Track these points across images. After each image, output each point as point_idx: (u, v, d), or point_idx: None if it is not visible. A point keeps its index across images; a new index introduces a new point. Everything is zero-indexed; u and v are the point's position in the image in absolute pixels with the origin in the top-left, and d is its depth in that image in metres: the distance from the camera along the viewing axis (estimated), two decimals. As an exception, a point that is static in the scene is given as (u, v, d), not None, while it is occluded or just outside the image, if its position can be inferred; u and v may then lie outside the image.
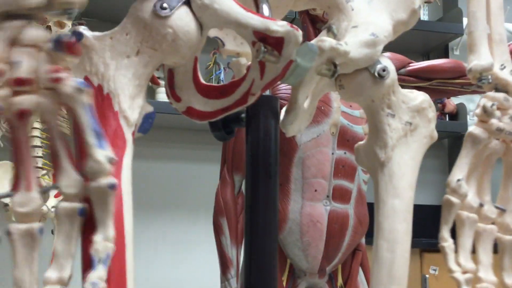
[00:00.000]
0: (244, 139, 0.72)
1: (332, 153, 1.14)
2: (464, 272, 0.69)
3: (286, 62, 0.57)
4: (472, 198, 0.72)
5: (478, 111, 0.73)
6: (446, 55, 2.76)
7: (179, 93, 0.65)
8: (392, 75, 0.63)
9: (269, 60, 0.57)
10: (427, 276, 2.13)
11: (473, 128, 0.73)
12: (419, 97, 0.67)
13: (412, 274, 2.31)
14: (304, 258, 1.14)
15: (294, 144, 1.13)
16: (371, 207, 1.25)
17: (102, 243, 0.49)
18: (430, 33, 2.56)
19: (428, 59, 2.74)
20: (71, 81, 0.49)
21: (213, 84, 0.67)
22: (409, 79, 1.21)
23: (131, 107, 0.56)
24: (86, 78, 0.56)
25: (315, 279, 1.16)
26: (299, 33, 0.56)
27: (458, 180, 0.70)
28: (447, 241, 0.70)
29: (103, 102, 0.55)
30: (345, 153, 1.15)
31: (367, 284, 1.23)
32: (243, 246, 0.70)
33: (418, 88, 1.24)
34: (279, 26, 0.55)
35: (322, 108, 1.13)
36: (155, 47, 0.58)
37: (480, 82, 0.74)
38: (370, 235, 1.31)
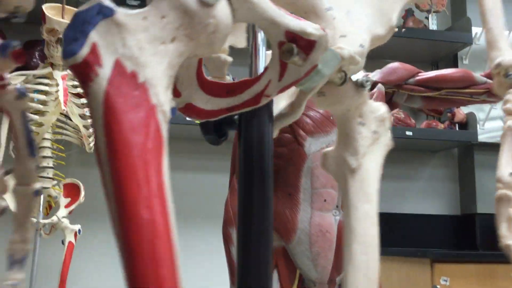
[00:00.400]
0: (237, 143, 0.70)
1: (341, 163, 1.14)
2: None
3: (311, 67, 0.55)
4: None
5: (509, 105, 0.75)
6: (455, 65, 2.76)
7: (180, 87, 0.61)
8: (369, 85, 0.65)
9: (295, 63, 0.55)
10: (438, 287, 2.12)
11: (510, 122, 0.74)
12: (382, 108, 0.69)
13: (423, 284, 2.29)
14: (314, 268, 1.13)
15: (303, 153, 1.13)
16: (381, 217, 1.24)
17: (20, 244, 0.48)
18: (439, 43, 2.56)
19: (437, 68, 2.74)
20: (12, 88, 0.48)
21: (220, 81, 0.64)
22: (418, 89, 1.21)
23: (167, 100, 0.50)
24: (118, 62, 0.47)
25: (324, 289, 1.16)
26: (333, 38, 0.55)
27: (511, 173, 0.71)
28: (510, 239, 0.70)
29: (137, 92, 0.47)
30: (354, 163, 1.15)
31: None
32: (238, 254, 0.67)
33: (428, 98, 1.25)
34: (315, 29, 0.54)
35: (331, 117, 1.13)
36: (192, 36, 0.52)
37: (508, 77, 0.75)
38: (381, 246, 1.30)
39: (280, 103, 0.70)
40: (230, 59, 0.74)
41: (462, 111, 2.59)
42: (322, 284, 1.15)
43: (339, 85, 0.62)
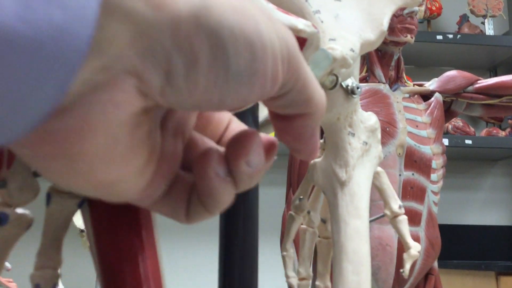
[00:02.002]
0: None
1: (400, 175, 1.13)
2: None
3: None
4: None
5: None
6: (514, 70, 2.67)
7: None
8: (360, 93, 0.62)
9: None
10: (504, 300, 2.03)
11: None
12: (373, 118, 0.65)
13: (489, 298, 2.19)
14: (375, 282, 1.12)
15: (360, 166, 1.12)
16: (442, 229, 1.22)
17: (49, 271, 0.43)
18: (496, 48, 2.49)
19: (496, 74, 2.66)
20: None
21: None
22: (478, 97, 1.18)
23: None
24: None
25: (386, 304, 1.14)
26: (323, 38, 0.51)
27: None
28: None
29: None
30: (413, 174, 1.13)
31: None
32: (222, 263, 0.62)
33: (488, 105, 1.21)
34: (306, 26, 0.50)
35: (387, 129, 1.12)
36: None
37: None
38: (442, 258, 1.27)
39: (266, 109, 0.67)
40: None
41: (524, 118, 2.50)
42: (384, 299, 1.13)
43: (329, 89, 0.58)
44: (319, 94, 0.23)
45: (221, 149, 0.25)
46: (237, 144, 0.23)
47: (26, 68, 0.16)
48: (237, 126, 0.28)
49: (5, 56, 0.15)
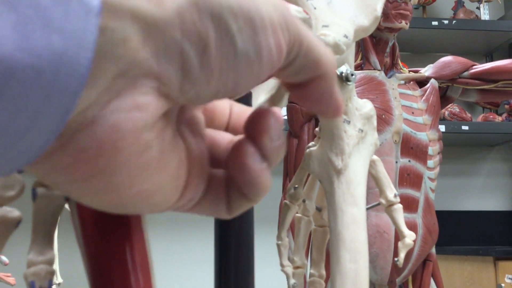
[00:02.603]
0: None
1: (396, 162, 1.12)
2: None
3: None
4: None
5: None
6: (510, 55, 2.66)
7: None
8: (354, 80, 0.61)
9: None
10: (502, 285, 2.04)
11: None
12: (368, 105, 0.65)
13: (487, 284, 2.23)
14: (373, 269, 1.12)
15: (356, 154, 1.12)
16: (439, 215, 1.21)
17: (43, 266, 0.42)
18: (492, 33, 2.48)
19: (491, 59, 2.65)
20: None
21: None
22: (474, 82, 1.17)
23: None
24: None
25: (384, 291, 1.14)
26: (316, 25, 0.50)
27: None
28: None
29: None
30: (409, 161, 1.13)
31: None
32: (218, 253, 0.61)
33: (484, 91, 1.21)
34: (297, 12, 0.49)
35: (383, 116, 1.12)
36: None
37: None
38: (440, 244, 1.27)
39: (260, 98, 0.66)
40: None
41: (521, 102, 2.50)
42: (382, 286, 1.13)
43: None
44: (326, 54, 0.24)
45: (236, 137, 0.25)
46: (255, 124, 0.23)
47: (26, 97, 0.16)
48: (240, 109, 0.28)
49: (5, 86, 0.15)
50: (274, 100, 0.63)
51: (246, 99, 0.62)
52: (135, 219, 0.33)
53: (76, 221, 0.34)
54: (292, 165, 1.21)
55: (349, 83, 0.59)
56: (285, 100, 0.62)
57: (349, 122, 0.62)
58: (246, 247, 0.60)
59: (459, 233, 2.50)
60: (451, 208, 2.56)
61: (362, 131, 0.63)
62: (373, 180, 1.11)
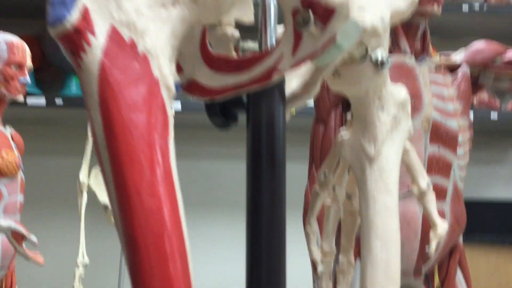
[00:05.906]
0: (248, 127, 0.63)
1: (425, 149, 1.11)
2: None
3: (328, 38, 0.47)
4: None
5: None
6: (543, 41, 2.60)
7: (181, 61, 0.54)
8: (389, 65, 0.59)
9: (311, 33, 0.48)
10: (529, 275, 2.01)
11: None
12: (402, 91, 0.64)
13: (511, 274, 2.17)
14: (399, 258, 1.11)
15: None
16: (466, 204, 1.19)
17: None
18: (524, 18, 2.42)
19: (523, 45, 2.59)
20: None
21: (227, 55, 0.56)
22: (507, 70, 1.15)
23: (171, 74, 0.43)
24: (113, 29, 0.41)
25: (410, 279, 1.13)
26: (352, 7, 0.48)
27: None
28: None
29: (137, 63, 0.41)
30: (438, 148, 1.11)
31: (466, 284, 1.18)
32: (248, 249, 0.60)
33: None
34: None
35: (413, 102, 1.10)
36: None
37: None
38: (466, 233, 1.25)
39: (292, 82, 0.64)
40: (237, 34, 0.66)
41: (552, 90, 2.44)
42: (408, 274, 1.12)
43: (358, 61, 0.56)
44: None
45: None
46: None
47: None
48: None
49: None
50: (307, 85, 0.62)
51: (279, 84, 0.61)
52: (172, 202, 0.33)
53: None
54: (318, 152, 1.20)
55: (384, 68, 0.57)
56: (318, 86, 0.61)
57: (382, 108, 0.61)
58: (278, 233, 0.60)
59: (487, 222, 2.47)
60: (480, 196, 2.52)
61: (396, 117, 0.62)
62: (400, 168, 1.10)
